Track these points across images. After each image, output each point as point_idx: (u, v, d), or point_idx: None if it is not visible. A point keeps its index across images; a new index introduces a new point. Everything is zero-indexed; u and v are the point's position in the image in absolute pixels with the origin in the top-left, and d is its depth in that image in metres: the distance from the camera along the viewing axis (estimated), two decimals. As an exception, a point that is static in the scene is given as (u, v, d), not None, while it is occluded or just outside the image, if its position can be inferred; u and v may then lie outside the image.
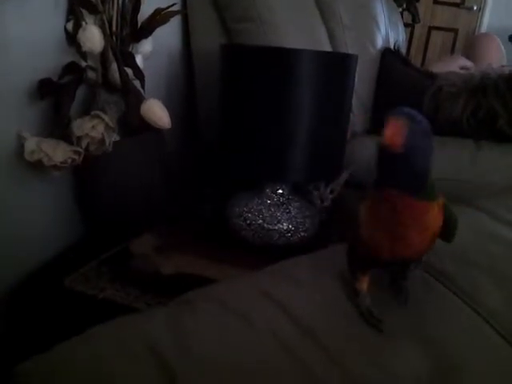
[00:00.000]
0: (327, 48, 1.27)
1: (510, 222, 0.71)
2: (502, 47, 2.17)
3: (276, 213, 0.98)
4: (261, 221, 0.97)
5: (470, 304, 0.57)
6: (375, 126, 1.40)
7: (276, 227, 0.97)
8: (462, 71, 1.46)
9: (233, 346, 0.49)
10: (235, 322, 0.52)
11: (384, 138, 0.42)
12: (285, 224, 0.97)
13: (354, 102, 1.19)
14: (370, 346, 0.51)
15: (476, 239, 0.67)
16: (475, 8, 3.26)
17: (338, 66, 0.92)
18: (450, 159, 1.13)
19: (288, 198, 1.00)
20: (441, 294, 0.58)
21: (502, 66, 1.33)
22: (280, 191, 1.00)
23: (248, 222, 0.97)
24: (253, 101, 0.90)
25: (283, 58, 0.86)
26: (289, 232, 0.97)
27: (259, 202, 0.99)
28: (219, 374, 0.46)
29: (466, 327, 0.55)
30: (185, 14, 1.19)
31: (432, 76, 1.31)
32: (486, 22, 3.30)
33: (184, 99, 1.31)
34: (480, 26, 3.30)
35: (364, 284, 0.56)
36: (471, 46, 2.21)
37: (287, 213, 0.98)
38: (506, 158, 1.12)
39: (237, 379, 0.46)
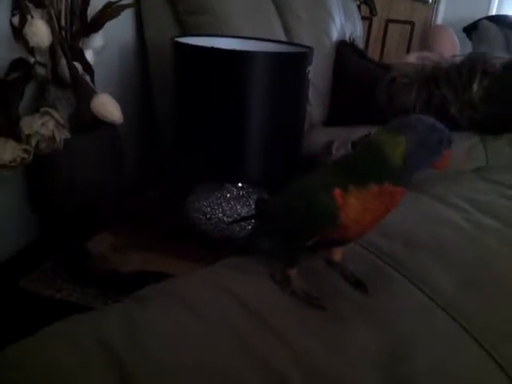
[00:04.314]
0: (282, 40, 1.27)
1: (458, 206, 0.73)
2: (456, 39, 2.23)
3: (236, 206, 0.98)
4: (221, 214, 0.97)
5: (420, 287, 0.59)
6: (333, 116, 1.42)
7: (236, 220, 0.97)
8: (415, 62, 1.49)
9: (185, 340, 0.49)
10: (188, 316, 0.51)
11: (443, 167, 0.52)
12: (245, 217, 0.97)
13: (312, 93, 1.19)
14: (327, 333, 0.51)
15: (424, 223, 0.69)
16: (430, 1, 3.34)
17: (292, 59, 0.92)
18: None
19: (248, 191, 1.01)
20: (390, 276, 0.59)
21: (454, 56, 1.36)
22: (239, 184, 1.00)
23: (208, 216, 0.97)
24: (206, 99, 0.89)
25: (236, 60, 0.86)
26: (249, 225, 0.97)
27: (218, 195, 0.99)
28: (172, 369, 0.46)
29: (417, 310, 0.57)
30: (137, 7, 1.17)
31: (387, 67, 1.33)
32: (442, 14, 3.38)
33: (139, 94, 1.29)
34: (435, 18, 3.38)
35: (294, 269, 0.57)
36: (426, 38, 2.27)
37: (247, 205, 0.98)
38: (456, 145, 1.16)
39: (190, 374, 0.46)
